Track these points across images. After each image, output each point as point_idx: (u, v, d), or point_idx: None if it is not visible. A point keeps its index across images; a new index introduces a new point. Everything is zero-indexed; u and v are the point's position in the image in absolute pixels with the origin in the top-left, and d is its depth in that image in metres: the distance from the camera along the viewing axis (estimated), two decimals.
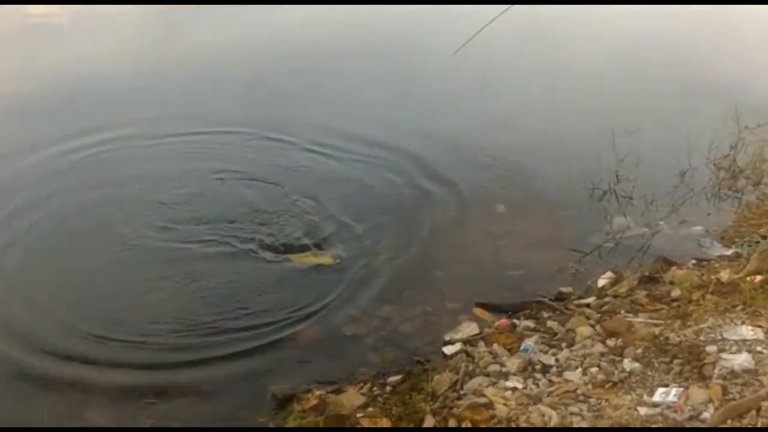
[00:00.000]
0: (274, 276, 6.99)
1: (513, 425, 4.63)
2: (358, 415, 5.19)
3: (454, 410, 4.87)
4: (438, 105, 11.05)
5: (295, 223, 7.79)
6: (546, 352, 5.62)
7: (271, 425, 5.36)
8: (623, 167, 8.65)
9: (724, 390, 4.52)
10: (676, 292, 6.15)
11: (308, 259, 7.20)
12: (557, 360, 5.47)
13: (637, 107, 10.59)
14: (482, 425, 4.67)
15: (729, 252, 7.25)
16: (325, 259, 7.19)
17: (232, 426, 5.38)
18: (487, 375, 5.38)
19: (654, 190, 8.45)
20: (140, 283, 6.86)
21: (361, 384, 5.64)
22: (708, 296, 5.95)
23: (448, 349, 6.03)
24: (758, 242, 7.24)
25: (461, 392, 5.19)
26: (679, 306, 5.96)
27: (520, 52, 13.16)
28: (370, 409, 5.26)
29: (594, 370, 5.22)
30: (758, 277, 6.00)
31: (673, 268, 6.66)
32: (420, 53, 13.14)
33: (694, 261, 7.14)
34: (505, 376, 5.33)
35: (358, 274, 7.09)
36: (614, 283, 6.62)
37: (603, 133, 8.85)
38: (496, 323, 6.24)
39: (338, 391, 5.57)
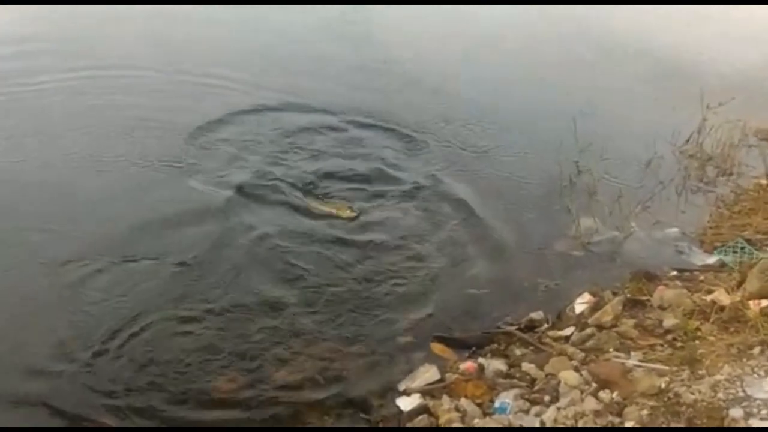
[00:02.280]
0: None
1: None
2: None
3: None
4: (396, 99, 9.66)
5: None
6: (527, 412, 4.56)
7: None
8: (585, 157, 7.65)
9: None
10: (669, 321, 5.22)
11: (326, 207, 6.82)
12: (543, 423, 4.41)
13: (597, 94, 9.62)
14: None
15: (712, 260, 6.41)
16: (345, 211, 6.77)
17: None
18: None
19: (620, 184, 7.56)
20: None
21: None
22: (707, 326, 5.02)
23: (404, 403, 4.89)
24: (743, 248, 6.41)
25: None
26: (675, 340, 5.02)
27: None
28: None
29: None
30: (763, 302, 5.09)
31: (660, 287, 5.72)
32: None
33: (675, 272, 6.24)
34: None
35: (285, 302, 5.79)
36: (594, 308, 5.62)
37: (562, 122, 7.82)
38: (461, 366, 5.13)
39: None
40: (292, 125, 8.39)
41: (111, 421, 4.59)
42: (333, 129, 8.44)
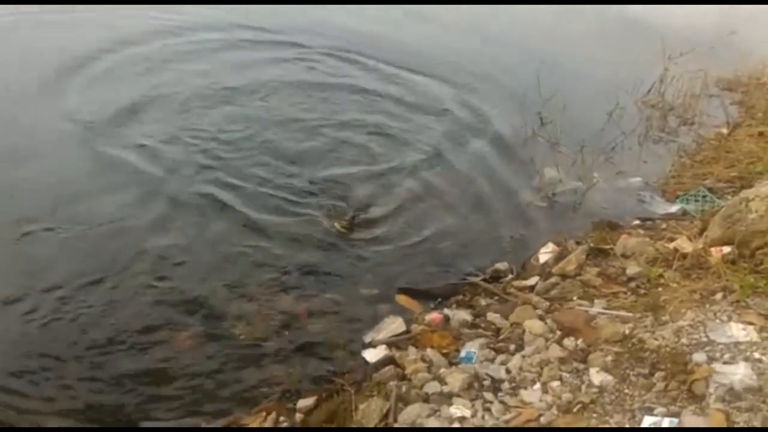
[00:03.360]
0: None
1: None
2: None
3: None
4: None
5: None
6: (493, 361, 4.55)
7: None
8: (548, 109, 7.59)
9: (728, 417, 3.59)
10: (632, 269, 5.24)
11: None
12: (508, 371, 4.42)
13: (559, 47, 9.51)
14: None
15: (674, 209, 6.45)
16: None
17: None
18: (426, 400, 4.24)
19: (582, 135, 7.49)
20: None
21: (264, 413, 4.37)
22: (670, 273, 5.04)
23: (369, 355, 4.85)
24: (705, 196, 6.45)
25: (396, 427, 4.03)
26: (638, 287, 5.05)
27: None
28: None
29: (555, 385, 4.21)
30: (725, 249, 5.10)
31: (623, 236, 5.73)
32: None
33: (637, 221, 6.27)
34: (448, 398, 4.23)
35: (246, 253, 5.68)
36: (558, 257, 5.60)
37: (525, 75, 7.71)
38: (426, 318, 5.09)
39: (233, 427, 4.29)
40: None
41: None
42: None
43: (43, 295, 5.05)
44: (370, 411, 4.15)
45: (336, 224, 5.97)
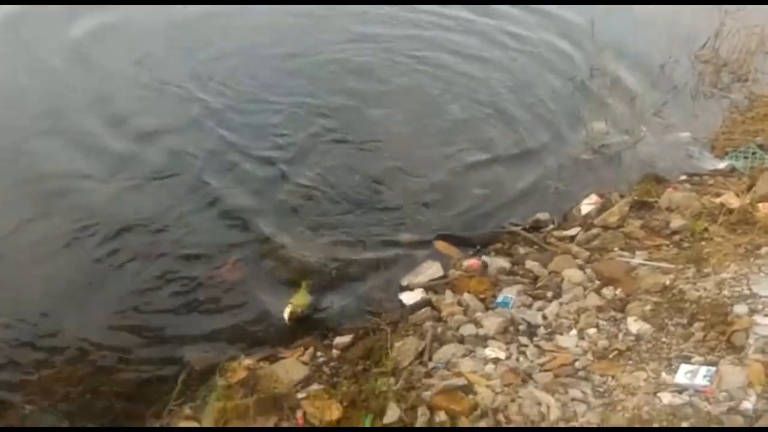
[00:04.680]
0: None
1: (501, 417, 3.59)
2: (299, 395, 4.05)
3: (425, 395, 3.78)
4: None
5: None
6: (530, 306, 4.57)
7: (188, 407, 4.10)
8: (599, 60, 7.41)
9: (766, 368, 3.55)
10: (676, 222, 5.15)
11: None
12: (545, 317, 4.43)
13: None
14: (463, 417, 3.61)
15: (722, 165, 6.28)
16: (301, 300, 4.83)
17: None
18: (461, 341, 4.28)
19: (633, 87, 7.33)
20: None
21: (302, 349, 4.47)
22: (715, 228, 4.96)
23: (407, 297, 4.92)
24: (755, 153, 6.27)
25: (430, 366, 4.11)
26: (682, 240, 4.97)
27: None
28: (314, 386, 4.14)
29: (592, 332, 4.22)
30: None
31: (668, 190, 5.62)
32: None
33: (684, 176, 6.13)
34: (483, 341, 4.27)
35: (287, 199, 5.77)
36: (601, 209, 5.55)
37: (577, 19, 7.53)
38: (464, 263, 5.10)
39: (272, 359, 4.43)
40: None
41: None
42: None
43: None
44: (405, 349, 4.21)
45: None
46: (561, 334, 4.24)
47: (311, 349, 4.45)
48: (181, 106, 6.86)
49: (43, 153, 6.12)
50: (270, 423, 3.87)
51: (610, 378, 3.81)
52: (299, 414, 3.86)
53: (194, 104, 6.87)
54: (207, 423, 3.90)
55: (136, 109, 6.77)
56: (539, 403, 3.63)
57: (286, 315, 4.68)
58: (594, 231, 5.28)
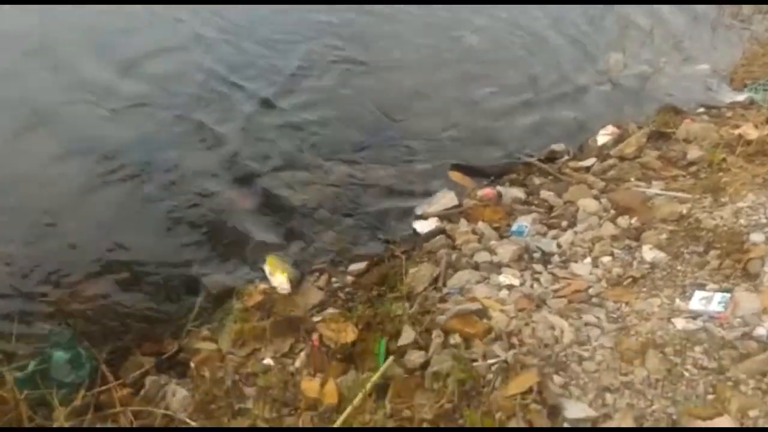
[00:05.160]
0: None
1: (515, 340, 3.63)
2: (315, 319, 4.10)
3: (439, 318, 3.81)
4: None
5: None
6: (544, 235, 4.57)
7: (205, 328, 4.15)
8: None
9: None
10: (693, 153, 5.11)
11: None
12: (559, 246, 4.43)
13: None
14: (477, 340, 3.65)
15: (741, 97, 6.18)
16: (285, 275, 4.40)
17: None
18: (476, 268, 4.30)
19: (652, 18, 7.15)
20: None
21: (316, 274, 4.50)
22: (732, 159, 4.91)
23: (421, 226, 4.91)
24: None
25: (445, 291, 4.13)
26: (699, 171, 4.94)
27: None
28: (330, 310, 4.18)
29: (607, 260, 4.22)
30: None
31: (686, 121, 5.54)
32: None
33: (702, 108, 6.05)
34: (498, 268, 4.28)
35: (302, 126, 5.73)
36: (618, 140, 5.49)
37: None
38: (479, 193, 5.09)
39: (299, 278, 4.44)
40: None
41: None
42: None
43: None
44: (419, 275, 4.24)
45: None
46: (575, 262, 4.25)
47: (326, 275, 4.48)
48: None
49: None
50: (286, 345, 3.94)
51: (623, 304, 3.82)
52: (315, 336, 3.91)
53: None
54: (224, 344, 3.97)
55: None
56: (552, 327, 3.65)
57: (287, 286, 4.31)
58: (610, 161, 5.24)
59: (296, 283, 4.36)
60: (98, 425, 3.45)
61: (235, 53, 6.46)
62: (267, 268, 4.44)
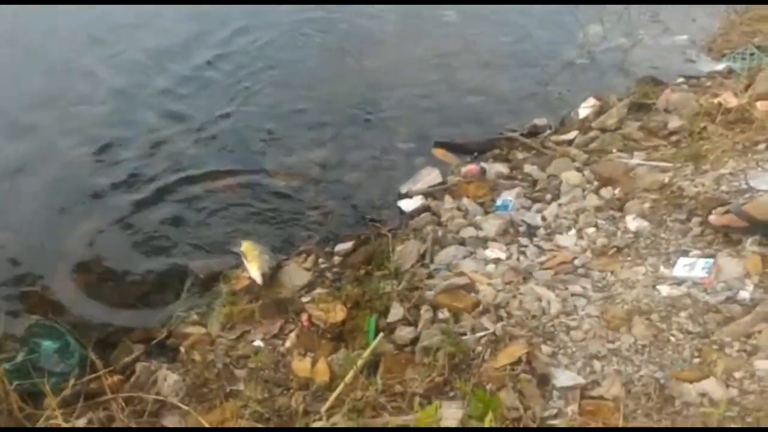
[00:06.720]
0: None
1: (503, 313, 3.65)
2: (304, 299, 4.11)
3: (427, 294, 3.84)
4: None
5: None
6: (529, 209, 4.59)
7: (194, 312, 4.14)
8: None
9: (764, 260, 3.60)
10: (674, 123, 5.14)
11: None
12: (544, 219, 4.45)
13: None
14: (465, 314, 3.66)
15: (720, 67, 6.21)
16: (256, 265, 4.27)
17: None
18: (462, 243, 4.32)
19: None
20: None
21: (303, 256, 4.50)
22: (712, 127, 4.94)
23: (406, 204, 4.93)
24: (752, 54, 6.20)
25: (432, 267, 4.15)
26: (680, 140, 4.97)
27: None
28: (318, 291, 4.19)
29: (591, 231, 4.24)
30: None
31: (666, 91, 5.56)
32: None
33: (681, 78, 6.07)
34: (484, 242, 4.30)
35: (281, 109, 5.73)
36: (599, 112, 5.52)
37: None
38: (463, 170, 5.10)
39: (274, 267, 4.43)
40: None
41: None
42: None
43: None
44: (406, 252, 4.25)
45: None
46: (560, 234, 4.27)
47: (313, 256, 4.48)
48: None
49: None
50: (276, 326, 3.94)
51: (609, 273, 3.84)
52: (305, 317, 3.91)
53: None
54: (214, 328, 3.97)
55: None
56: (540, 299, 3.67)
57: (258, 279, 4.19)
58: (592, 134, 5.26)
59: (271, 272, 4.26)
60: (90, 414, 3.44)
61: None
62: (243, 254, 4.36)
